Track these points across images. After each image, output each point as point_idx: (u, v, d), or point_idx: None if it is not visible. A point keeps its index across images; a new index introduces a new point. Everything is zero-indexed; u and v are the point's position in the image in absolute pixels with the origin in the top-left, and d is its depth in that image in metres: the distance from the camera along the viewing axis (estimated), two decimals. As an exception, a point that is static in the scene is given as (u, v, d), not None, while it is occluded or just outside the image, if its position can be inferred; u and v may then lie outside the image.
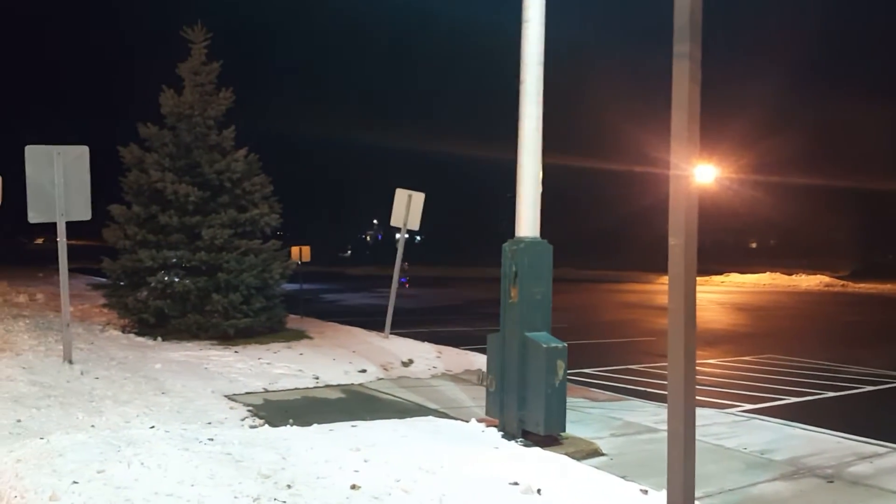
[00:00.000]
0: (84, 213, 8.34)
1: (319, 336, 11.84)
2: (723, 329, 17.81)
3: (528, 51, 6.19)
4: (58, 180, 8.13)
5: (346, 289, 32.19)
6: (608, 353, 12.74)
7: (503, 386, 5.99)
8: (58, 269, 8.39)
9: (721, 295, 31.25)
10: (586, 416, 7.18)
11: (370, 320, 14.10)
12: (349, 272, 52.04)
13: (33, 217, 8.16)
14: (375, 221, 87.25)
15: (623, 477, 5.07)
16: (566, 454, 5.48)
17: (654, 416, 7.36)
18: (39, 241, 55.17)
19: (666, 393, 8.14)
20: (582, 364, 10.44)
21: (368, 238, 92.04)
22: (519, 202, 6.14)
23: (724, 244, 54.45)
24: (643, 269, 44.92)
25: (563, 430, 5.92)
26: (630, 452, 5.98)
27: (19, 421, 5.89)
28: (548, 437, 5.78)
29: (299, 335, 11.73)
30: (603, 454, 5.85)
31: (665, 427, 6.40)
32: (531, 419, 5.78)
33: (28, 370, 7.62)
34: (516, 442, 5.72)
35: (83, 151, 8.32)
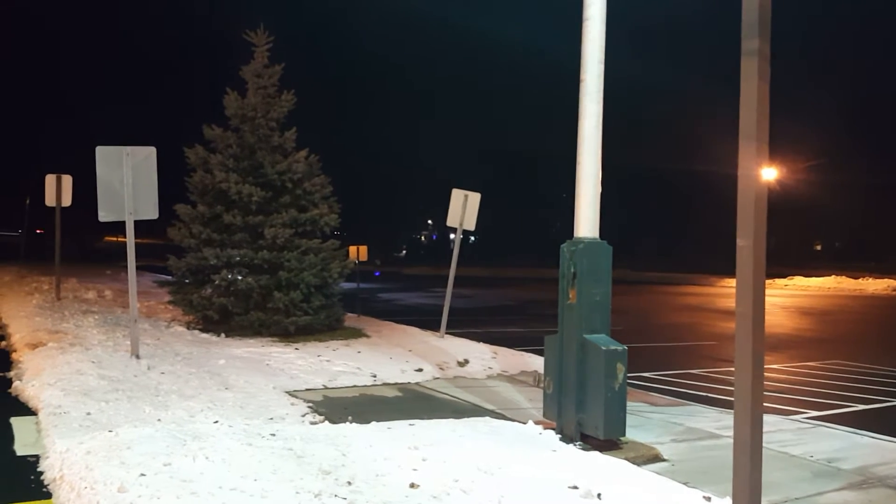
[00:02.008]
0: (151, 212, 8.57)
1: (376, 335, 11.95)
2: (787, 333, 17.30)
3: (589, 49, 6.12)
4: (127, 180, 8.38)
5: (401, 288, 32.42)
6: (668, 356, 12.51)
7: (561, 388, 5.94)
8: (124, 267, 8.65)
9: (785, 298, 30.35)
10: (646, 420, 7.06)
11: (425, 320, 14.16)
12: (404, 272, 52.41)
13: (103, 216, 8.42)
14: (430, 222, 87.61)
15: (685, 483, 4.96)
16: (626, 459, 5.40)
17: (716, 421, 7.20)
18: (107, 239, 57.11)
19: (729, 399, 7.98)
20: (641, 368, 10.28)
21: (423, 238, 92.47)
22: (578, 202, 6.08)
23: (787, 246, 52.97)
24: (704, 272, 43.99)
25: (623, 435, 5.83)
26: (692, 458, 5.86)
27: (89, 414, 6.06)
28: (607, 441, 5.71)
29: (357, 333, 11.86)
30: (664, 460, 5.75)
31: (728, 433, 6.26)
32: (590, 423, 5.71)
33: (97, 364, 7.88)
34: (575, 445, 5.66)
35: (151, 152, 8.56)
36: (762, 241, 4.05)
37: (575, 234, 6.04)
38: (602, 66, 6.13)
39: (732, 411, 3.97)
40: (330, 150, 14.00)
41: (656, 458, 5.74)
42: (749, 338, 4.02)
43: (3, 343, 10.40)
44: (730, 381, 9.96)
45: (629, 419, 5.93)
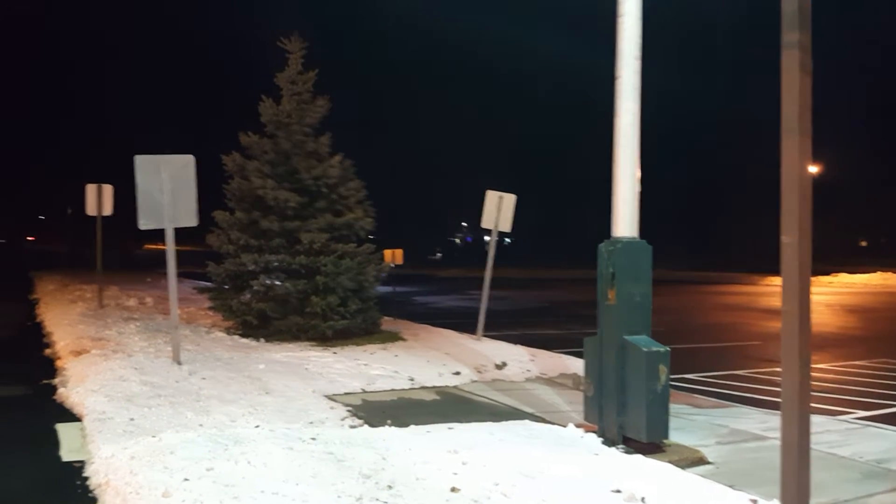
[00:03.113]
0: (191, 219, 8.68)
1: (413, 338, 11.95)
2: (833, 332, 16.90)
3: (624, 46, 6.04)
4: (165, 188, 8.50)
5: (436, 291, 32.43)
6: (711, 357, 12.30)
7: (602, 391, 5.85)
8: (165, 274, 8.77)
9: (829, 296, 29.68)
10: (690, 423, 6.93)
11: (461, 322, 14.12)
12: (439, 274, 52.43)
13: (143, 224, 8.54)
14: (464, 224, 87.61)
15: (731, 486, 4.86)
16: (670, 462, 5.30)
17: (761, 423, 7.05)
18: (147, 247, 58.27)
19: (773, 399, 7.80)
20: (683, 369, 10.11)
21: (458, 240, 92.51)
22: (615, 201, 5.99)
23: (831, 243, 51.80)
24: (745, 271, 43.26)
25: (667, 438, 5.73)
26: (737, 461, 5.73)
27: (132, 419, 6.15)
28: (650, 444, 5.61)
29: (394, 337, 11.88)
30: (708, 462, 5.64)
31: (774, 435, 6.13)
32: (632, 425, 5.62)
33: (139, 370, 8.00)
34: (617, 448, 5.58)
35: (189, 160, 8.67)
36: (807, 238, 3.95)
37: (613, 234, 5.96)
38: (638, 63, 6.04)
39: (777, 412, 3.87)
40: (363, 151, 14.03)
41: (701, 461, 5.63)
42: (795, 336, 3.92)
43: (48, 350, 10.63)
44: (774, 381, 9.77)
45: (672, 421, 5.82)
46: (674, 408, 6.34)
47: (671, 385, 6.17)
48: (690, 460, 5.59)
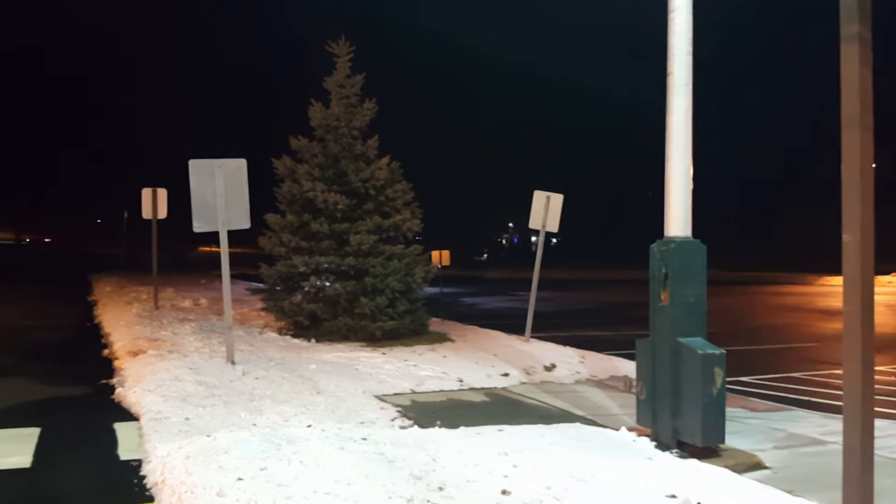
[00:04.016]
0: (243, 221, 8.83)
1: (461, 339, 11.94)
2: (894, 333, 16.33)
3: (676, 41, 5.93)
4: (219, 192, 8.67)
5: (483, 292, 32.38)
6: (765, 359, 12.01)
7: (655, 394, 5.75)
8: (218, 276, 8.94)
9: (889, 296, 28.70)
10: (745, 426, 6.77)
11: (509, 323, 14.06)
12: (486, 275, 52.35)
13: (198, 227, 8.72)
14: (511, 224, 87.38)
15: (789, 492, 4.72)
16: (726, 467, 5.18)
17: (820, 427, 6.83)
18: (200, 249, 59.62)
19: (832, 403, 7.58)
20: (738, 371, 9.87)
21: (504, 241, 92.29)
22: (668, 200, 5.88)
23: (889, 241, 50.08)
24: (799, 270, 42.14)
25: (722, 442, 5.60)
26: (795, 466, 5.57)
27: (187, 419, 6.25)
28: (705, 448, 5.49)
29: (441, 338, 11.90)
30: (766, 467, 5.49)
31: (833, 439, 5.95)
32: (687, 429, 5.50)
33: (194, 370, 8.16)
34: (671, 453, 5.48)
35: (241, 164, 8.82)
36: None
37: (665, 234, 5.85)
38: (690, 58, 5.93)
39: (836, 416, 3.76)
40: (409, 153, 14.09)
41: (758, 466, 5.49)
42: (858, 338, 3.80)
43: (106, 351, 10.92)
44: (833, 384, 9.48)
45: (727, 425, 5.68)
46: (729, 411, 6.19)
47: (726, 388, 6.04)
48: (747, 465, 5.46)
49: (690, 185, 5.88)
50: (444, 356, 10.13)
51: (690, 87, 5.93)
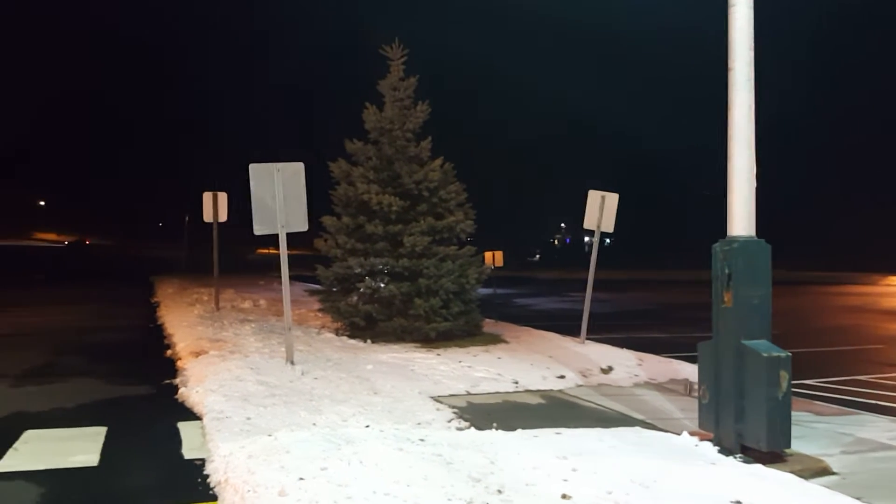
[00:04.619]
0: (301, 224, 8.96)
1: (515, 340, 11.89)
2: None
3: (736, 36, 5.80)
4: (278, 195, 8.81)
5: (536, 293, 32.18)
6: (831, 362, 11.63)
7: (718, 398, 5.62)
8: (277, 277, 9.08)
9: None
10: (811, 431, 6.56)
11: (562, 325, 13.94)
12: (539, 276, 52.02)
13: (258, 229, 8.88)
14: (563, 225, 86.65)
15: (858, 498, 4.57)
16: (792, 472, 5.03)
17: (888, 431, 6.59)
18: (259, 251, 60.78)
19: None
20: (803, 374, 9.57)
21: (556, 242, 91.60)
22: (731, 198, 5.74)
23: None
24: (864, 270, 40.70)
25: (788, 447, 5.44)
26: (863, 471, 5.38)
27: (249, 418, 6.35)
28: (770, 453, 5.34)
29: (495, 339, 11.87)
30: (833, 473, 5.31)
31: (909, 446, 5.72)
32: (751, 434, 5.36)
33: (255, 371, 8.31)
34: (735, 458, 5.34)
35: (299, 168, 8.95)
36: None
37: (728, 233, 5.71)
38: (752, 53, 5.78)
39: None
40: (461, 154, 14.09)
41: (825, 472, 5.32)
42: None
43: (169, 351, 11.21)
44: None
45: (793, 430, 5.52)
46: (794, 415, 6.00)
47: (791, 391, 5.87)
48: (814, 470, 5.30)
49: (754, 183, 5.74)
50: (499, 358, 10.09)
51: (752, 82, 5.79)
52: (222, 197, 15.74)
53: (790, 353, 5.38)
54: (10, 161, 78.78)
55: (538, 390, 8.36)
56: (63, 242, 77.57)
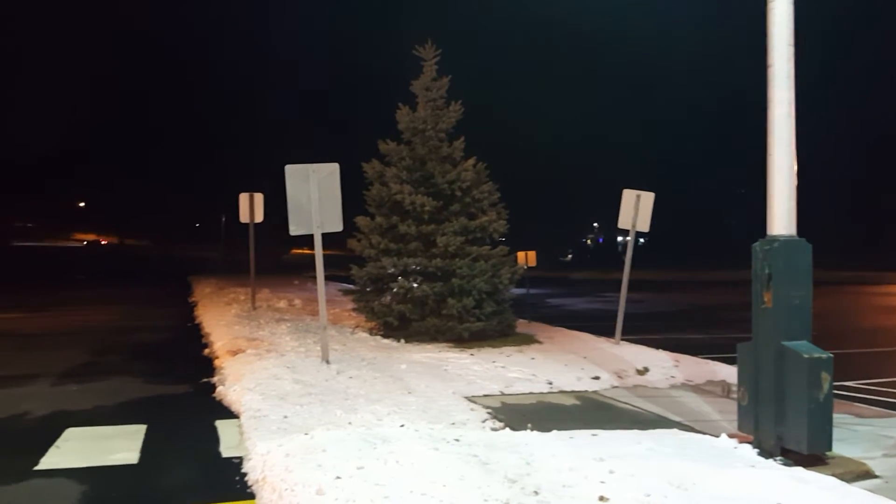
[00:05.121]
0: (336, 224, 9.02)
1: (549, 341, 11.83)
2: None
3: (776, 32, 5.70)
4: (313, 196, 8.89)
5: (569, 293, 31.98)
6: (872, 363, 11.36)
7: (757, 400, 5.53)
8: (311, 277, 9.16)
9: None
10: (853, 433, 6.42)
11: (596, 325, 13.83)
12: (572, 276, 51.68)
13: (294, 230, 8.97)
14: (596, 224, 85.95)
15: (902, 502, 4.46)
16: (833, 475, 4.93)
17: (933, 434, 6.43)
18: (294, 251, 61.33)
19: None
20: (843, 376, 9.37)
21: (589, 241, 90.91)
22: (771, 197, 5.64)
23: None
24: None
25: (829, 449, 5.34)
26: (907, 475, 5.26)
27: (285, 417, 6.42)
28: (811, 456, 5.24)
29: (529, 339, 11.83)
30: (876, 476, 5.20)
31: (957, 450, 5.57)
32: (791, 436, 5.27)
33: (291, 369, 8.39)
34: (775, 460, 5.25)
35: (334, 168, 9.02)
36: None
37: (768, 232, 5.62)
38: (792, 49, 5.68)
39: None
40: (494, 154, 14.06)
41: (867, 475, 5.22)
42: None
43: (207, 350, 11.37)
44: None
45: (834, 432, 5.42)
46: (835, 417, 5.89)
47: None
48: (856, 474, 5.19)
49: (794, 181, 5.63)
50: (533, 358, 10.05)
51: (793, 79, 5.68)
52: (258, 198, 15.92)
53: (831, 355, 5.28)
54: (54, 163, 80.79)
55: (573, 391, 8.31)
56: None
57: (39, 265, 47.25)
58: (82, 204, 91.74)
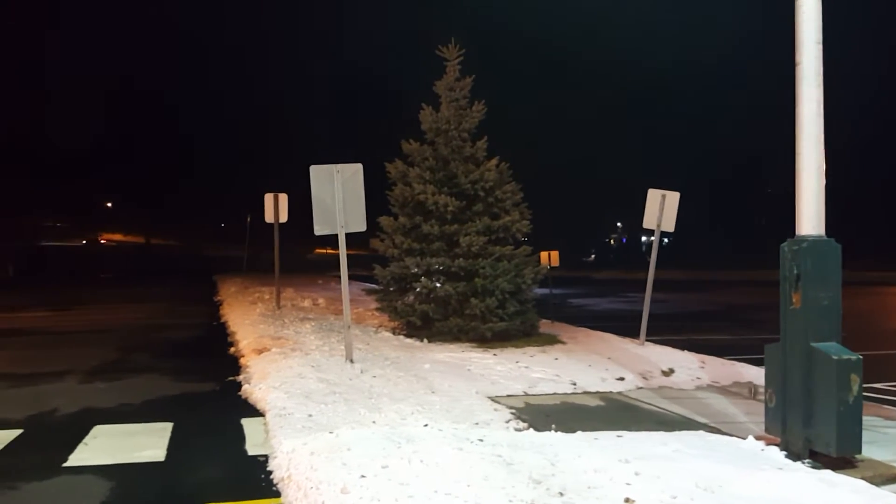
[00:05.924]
0: (360, 224, 9.06)
1: (572, 341, 11.79)
2: None
3: (804, 29, 5.62)
4: (337, 196, 8.93)
5: (592, 293, 31.82)
6: (902, 365, 11.17)
7: (785, 401, 5.46)
8: (335, 277, 9.21)
9: None
10: (882, 436, 6.32)
11: (620, 326, 13.74)
12: (595, 276, 51.42)
13: (319, 230, 9.02)
14: (619, 224, 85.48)
15: (934, 507, 4.38)
16: (863, 478, 4.85)
17: (963, 437, 6.30)
18: (317, 251, 61.66)
19: None
20: (872, 377, 9.21)
21: (612, 241, 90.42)
22: (799, 196, 5.57)
23: None
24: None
25: (859, 452, 5.25)
26: (939, 479, 5.16)
27: (310, 415, 6.45)
28: (840, 458, 5.17)
29: (552, 340, 11.79)
30: (906, 480, 5.12)
31: None
32: (820, 439, 5.20)
33: (316, 368, 8.44)
34: (803, 463, 5.18)
35: (358, 169, 9.06)
36: None
37: (797, 232, 5.54)
38: (820, 47, 5.60)
39: None
40: (515, 153, 14.03)
41: (897, 478, 5.12)
42: None
43: (233, 349, 11.47)
44: None
45: (863, 434, 5.33)
46: (864, 419, 5.81)
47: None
48: (886, 477, 5.11)
49: (823, 181, 5.56)
50: (556, 358, 10.02)
51: (821, 77, 5.60)
52: (283, 198, 16.04)
53: (861, 356, 5.21)
54: (80, 162, 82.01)
55: (597, 392, 8.27)
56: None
57: (66, 264, 47.95)
58: (109, 204, 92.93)
